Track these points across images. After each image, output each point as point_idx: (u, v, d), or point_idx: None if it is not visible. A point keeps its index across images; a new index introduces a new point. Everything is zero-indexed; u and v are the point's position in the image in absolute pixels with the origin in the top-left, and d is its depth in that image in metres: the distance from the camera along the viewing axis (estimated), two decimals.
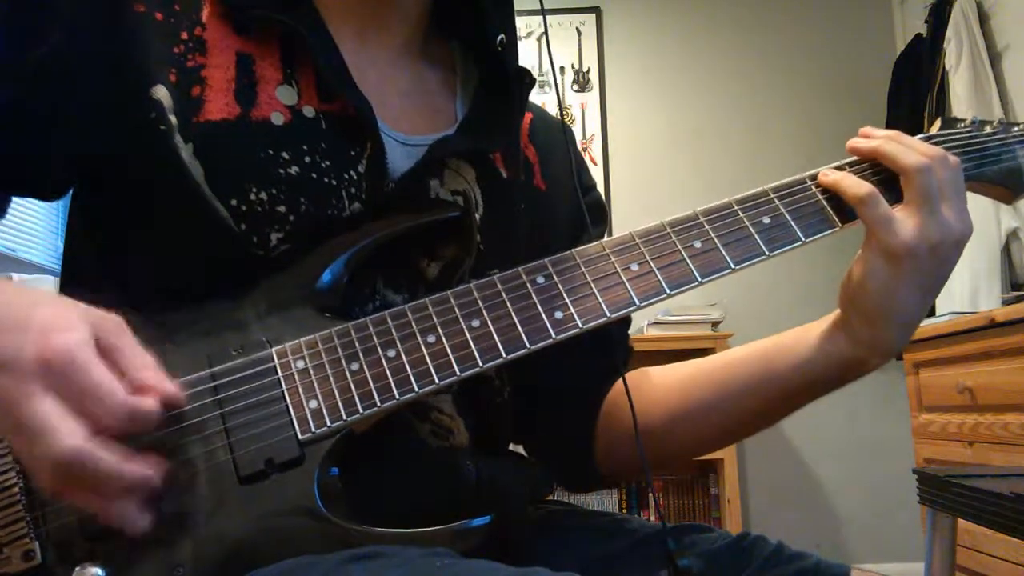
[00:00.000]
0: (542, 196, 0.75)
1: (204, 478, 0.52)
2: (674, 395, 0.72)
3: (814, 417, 3.16)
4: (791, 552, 0.66)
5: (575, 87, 3.38)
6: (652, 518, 2.96)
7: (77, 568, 0.49)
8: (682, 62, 3.41)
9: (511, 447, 0.79)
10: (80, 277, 0.66)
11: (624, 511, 2.95)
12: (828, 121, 3.24)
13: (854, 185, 0.62)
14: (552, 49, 3.37)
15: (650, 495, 3.01)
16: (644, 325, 2.88)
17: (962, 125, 0.72)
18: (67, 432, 0.45)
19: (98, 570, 0.49)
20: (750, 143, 3.30)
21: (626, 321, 0.81)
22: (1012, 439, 1.92)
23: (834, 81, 3.33)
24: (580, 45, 3.40)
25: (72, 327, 0.47)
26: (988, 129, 0.72)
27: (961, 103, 2.67)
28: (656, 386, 0.74)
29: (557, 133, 0.81)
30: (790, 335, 0.69)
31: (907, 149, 0.62)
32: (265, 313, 0.58)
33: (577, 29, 3.40)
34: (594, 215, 0.81)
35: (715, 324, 2.93)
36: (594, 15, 3.42)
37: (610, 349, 0.75)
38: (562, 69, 3.38)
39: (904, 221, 0.60)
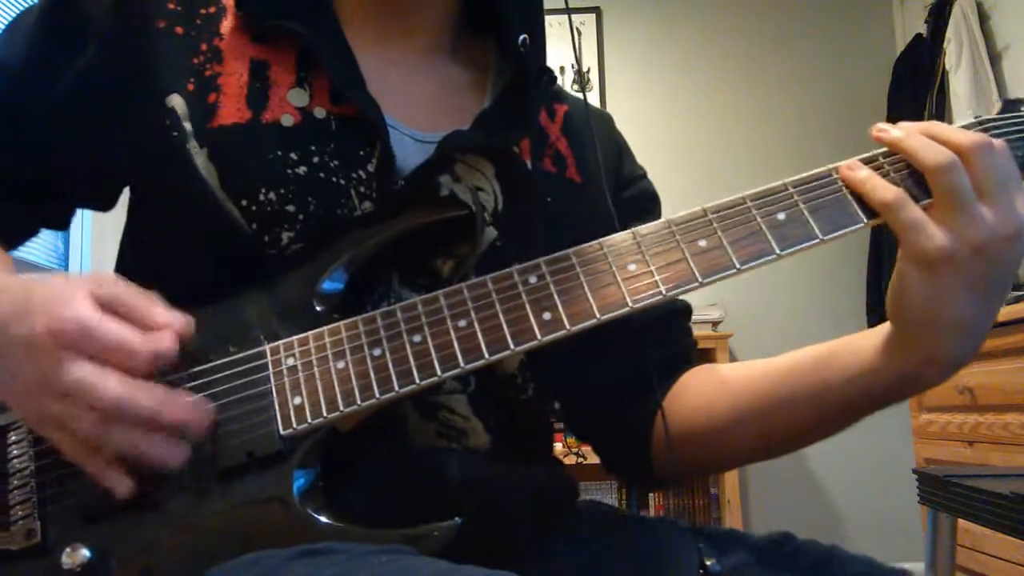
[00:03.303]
0: (576, 188, 0.74)
1: (192, 468, 0.54)
2: (726, 401, 0.69)
3: None
4: (845, 555, 0.63)
5: (575, 87, 3.37)
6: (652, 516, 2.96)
7: (68, 548, 0.52)
8: (682, 62, 3.41)
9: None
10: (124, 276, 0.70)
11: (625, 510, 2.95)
12: (828, 121, 3.24)
13: (879, 188, 0.56)
14: (552, 49, 3.36)
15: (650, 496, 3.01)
16: None
17: None
18: (107, 383, 0.50)
19: (85, 551, 0.52)
20: (750, 143, 3.30)
21: (685, 312, 0.79)
22: (1012, 439, 1.92)
23: (834, 81, 3.33)
24: (580, 45, 3.40)
25: (71, 296, 0.52)
26: None
27: (961, 103, 2.67)
28: (709, 389, 0.72)
29: (601, 126, 0.80)
30: (844, 344, 0.64)
31: (929, 144, 0.55)
32: (268, 310, 0.59)
33: (577, 29, 3.40)
34: (641, 206, 0.79)
35: (715, 324, 2.93)
36: (594, 15, 3.42)
37: (668, 343, 0.74)
38: (562, 69, 3.38)
39: (936, 224, 0.54)
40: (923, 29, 3.00)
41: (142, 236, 0.68)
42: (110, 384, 0.50)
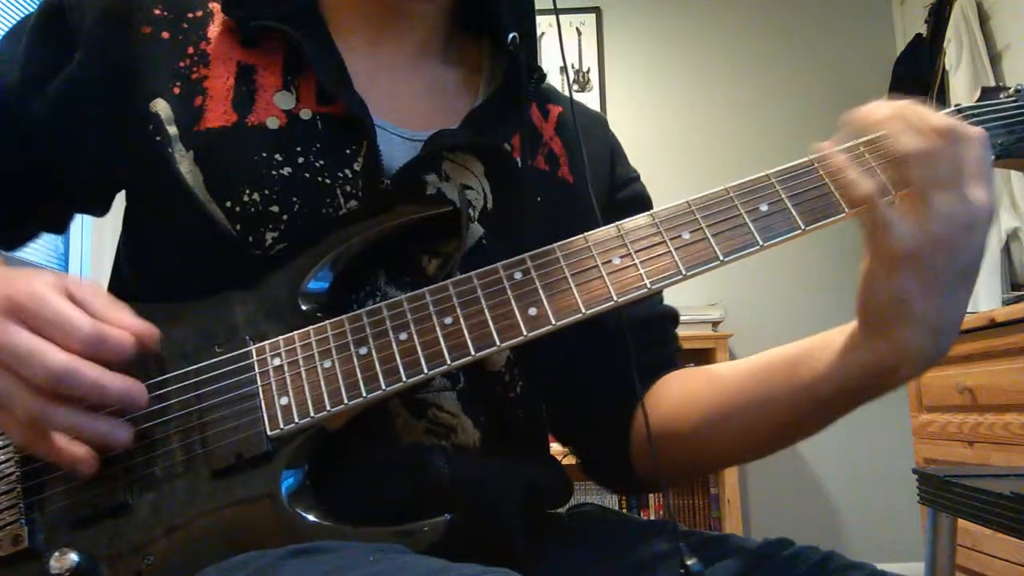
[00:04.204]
0: (569, 188, 0.74)
1: (181, 470, 0.55)
2: (701, 401, 0.69)
3: None
4: (844, 561, 0.62)
5: (575, 87, 3.37)
6: (653, 517, 2.96)
7: (56, 553, 0.52)
8: (682, 62, 3.41)
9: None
10: (118, 281, 0.71)
11: (624, 511, 2.95)
12: (828, 120, 3.22)
13: (856, 180, 0.55)
14: (552, 49, 3.37)
15: (653, 496, 3.01)
16: None
17: (1005, 94, 0.63)
18: (52, 351, 0.50)
19: (74, 555, 0.52)
20: (749, 142, 3.30)
21: (672, 318, 0.80)
22: (1012, 439, 1.92)
23: (834, 81, 3.32)
24: (580, 45, 3.40)
25: (41, 278, 0.53)
26: None
27: (961, 103, 2.66)
28: (685, 390, 0.72)
29: (594, 128, 0.80)
30: (817, 341, 0.64)
31: (907, 130, 0.55)
32: (254, 310, 0.60)
33: (577, 29, 3.40)
34: (635, 208, 0.79)
35: (715, 324, 2.93)
36: (594, 15, 3.42)
37: (651, 346, 0.74)
38: (562, 69, 3.38)
39: (902, 221, 0.53)
40: (923, 29, 2.99)
41: (133, 239, 0.69)
42: (51, 355, 0.49)
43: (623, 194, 0.80)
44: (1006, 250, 2.55)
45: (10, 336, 0.50)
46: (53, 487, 0.55)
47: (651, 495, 2.98)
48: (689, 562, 0.57)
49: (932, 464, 2.24)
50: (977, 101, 0.64)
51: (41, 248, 2.65)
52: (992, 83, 2.67)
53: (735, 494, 2.84)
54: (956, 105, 0.63)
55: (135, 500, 0.54)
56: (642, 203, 0.82)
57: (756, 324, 3.06)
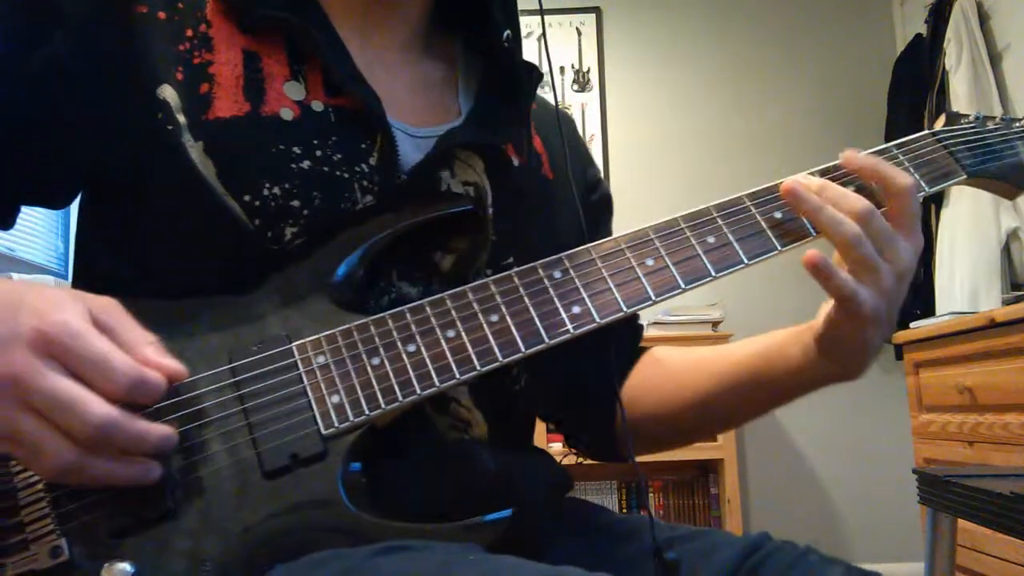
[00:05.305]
0: (550, 185, 0.76)
1: (229, 473, 0.53)
2: (685, 386, 0.76)
3: (814, 416, 3.16)
4: (821, 557, 0.65)
5: (575, 87, 3.37)
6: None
7: (106, 564, 0.49)
8: (682, 62, 3.40)
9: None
10: (92, 278, 0.66)
11: (624, 510, 2.95)
12: (828, 120, 3.24)
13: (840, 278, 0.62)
14: (552, 49, 3.37)
15: (649, 491, 3.01)
16: (645, 325, 2.87)
17: (966, 120, 0.73)
18: (93, 404, 0.46)
19: (127, 566, 0.49)
20: (750, 143, 3.30)
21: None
22: (1012, 439, 1.92)
23: (834, 81, 3.33)
24: (580, 45, 3.40)
25: (68, 305, 0.48)
26: (991, 125, 0.73)
27: (961, 103, 2.67)
28: (665, 373, 0.79)
29: (566, 126, 0.82)
30: (784, 338, 0.71)
31: (839, 220, 0.61)
32: (282, 307, 0.58)
33: (577, 29, 3.40)
34: (606, 208, 0.84)
35: (715, 324, 2.93)
36: (594, 15, 3.41)
37: (633, 341, 0.81)
38: (562, 69, 3.38)
39: (864, 290, 0.61)
40: (923, 29, 2.99)
41: (118, 234, 0.64)
42: (92, 407, 0.46)
43: (595, 195, 0.84)
44: (1006, 250, 2.54)
45: (46, 380, 0.46)
46: (87, 495, 0.51)
47: (651, 495, 2.99)
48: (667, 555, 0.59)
49: (932, 464, 2.24)
50: (944, 126, 0.73)
51: (41, 248, 2.65)
52: (992, 83, 2.68)
53: (735, 494, 2.84)
54: (931, 129, 0.72)
55: (180, 506, 0.52)
56: (608, 204, 0.87)
57: (756, 324, 3.05)
